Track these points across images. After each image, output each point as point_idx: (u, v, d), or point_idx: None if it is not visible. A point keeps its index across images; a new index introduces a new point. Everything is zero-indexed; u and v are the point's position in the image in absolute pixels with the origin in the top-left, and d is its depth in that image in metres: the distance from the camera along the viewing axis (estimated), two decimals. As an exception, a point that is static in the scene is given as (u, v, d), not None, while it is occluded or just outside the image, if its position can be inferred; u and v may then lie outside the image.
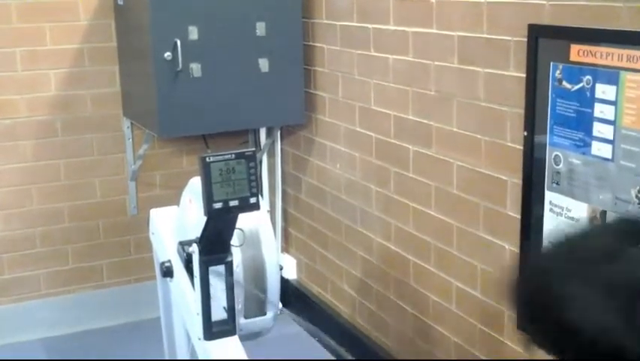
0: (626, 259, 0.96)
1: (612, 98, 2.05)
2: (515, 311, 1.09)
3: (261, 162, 4.08)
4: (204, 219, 2.19)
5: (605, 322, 0.95)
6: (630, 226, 1.06)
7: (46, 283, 3.96)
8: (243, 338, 2.39)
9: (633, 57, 1.98)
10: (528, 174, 2.38)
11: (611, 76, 2.05)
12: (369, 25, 3.17)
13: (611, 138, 2.07)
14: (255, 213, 2.27)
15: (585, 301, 0.96)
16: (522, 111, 2.37)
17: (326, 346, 3.48)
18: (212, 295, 2.29)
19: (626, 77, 2.01)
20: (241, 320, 2.45)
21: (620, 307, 0.94)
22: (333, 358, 3.48)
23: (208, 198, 2.12)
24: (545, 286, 1.04)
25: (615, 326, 0.95)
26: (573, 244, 1.05)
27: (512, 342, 2.57)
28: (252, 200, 2.17)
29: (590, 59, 2.11)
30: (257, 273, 2.49)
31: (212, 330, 2.28)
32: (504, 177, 2.52)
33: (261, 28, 3.46)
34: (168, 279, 2.50)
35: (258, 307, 2.50)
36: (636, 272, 0.95)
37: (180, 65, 3.30)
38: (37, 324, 3.89)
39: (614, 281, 0.95)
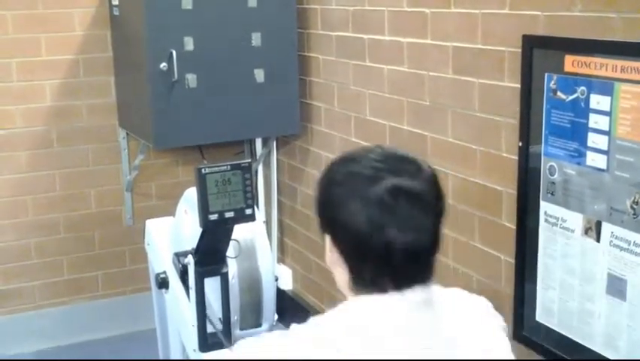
0: (383, 186, 1.32)
1: (607, 108, 2.06)
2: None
3: (256, 172, 4.08)
4: (200, 230, 2.19)
5: (366, 220, 1.31)
6: (394, 161, 1.38)
7: (41, 295, 3.95)
8: (239, 350, 2.38)
9: (627, 68, 1.99)
10: (523, 185, 2.38)
11: (606, 86, 2.05)
12: (365, 36, 3.18)
13: (606, 148, 2.07)
14: (250, 224, 2.27)
15: (351, 205, 1.33)
16: (517, 122, 2.38)
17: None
18: (207, 306, 2.29)
19: (621, 87, 2.01)
20: (236, 332, 2.45)
21: (375, 213, 1.31)
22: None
23: (204, 209, 2.12)
24: (326, 194, 1.40)
25: (375, 221, 1.30)
26: (349, 164, 1.40)
27: (508, 352, 2.56)
28: (248, 211, 2.17)
29: (584, 70, 2.11)
30: (252, 284, 2.48)
31: (208, 342, 2.28)
32: (499, 188, 2.52)
33: (256, 39, 3.47)
34: (164, 290, 2.49)
35: (253, 318, 2.50)
36: (385, 192, 1.31)
37: (176, 76, 3.30)
38: (32, 336, 3.88)
39: (373, 197, 1.31)
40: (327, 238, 1.41)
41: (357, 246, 1.34)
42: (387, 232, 1.30)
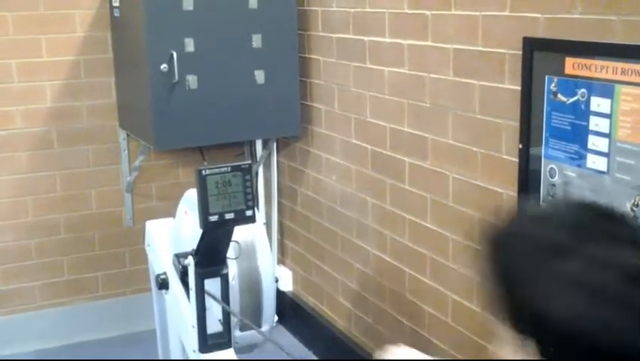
0: (578, 256, 0.99)
1: (607, 111, 2.06)
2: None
3: (257, 173, 4.08)
4: (200, 231, 2.19)
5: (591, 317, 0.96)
6: (588, 221, 1.07)
7: (41, 295, 3.94)
8: (239, 351, 2.39)
9: (628, 70, 1.99)
10: (523, 187, 2.38)
11: (606, 89, 2.05)
12: (365, 38, 3.18)
13: (606, 150, 2.08)
14: (250, 225, 2.27)
15: (549, 293, 0.99)
16: (517, 124, 2.38)
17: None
18: (207, 307, 2.29)
19: (621, 90, 2.01)
20: (236, 333, 2.45)
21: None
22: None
23: (204, 210, 2.12)
24: (506, 270, 1.09)
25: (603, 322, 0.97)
26: (533, 229, 1.08)
27: (508, 355, 2.56)
28: (248, 213, 2.18)
29: (585, 72, 2.11)
30: (252, 286, 2.49)
31: (208, 343, 2.28)
32: (499, 190, 2.52)
33: (257, 41, 3.47)
34: (164, 291, 2.50)
35: (253, 319, 2.50)
36: (586, 271, 0.98)
37: (176, 77, 3.30)
38: (32, 336, 3.88)
39: (565, 278, 0.98)
40: (506, 335, 1.15)
41: (557, 348, 1.04)
42: (597, 332, 0.98)
